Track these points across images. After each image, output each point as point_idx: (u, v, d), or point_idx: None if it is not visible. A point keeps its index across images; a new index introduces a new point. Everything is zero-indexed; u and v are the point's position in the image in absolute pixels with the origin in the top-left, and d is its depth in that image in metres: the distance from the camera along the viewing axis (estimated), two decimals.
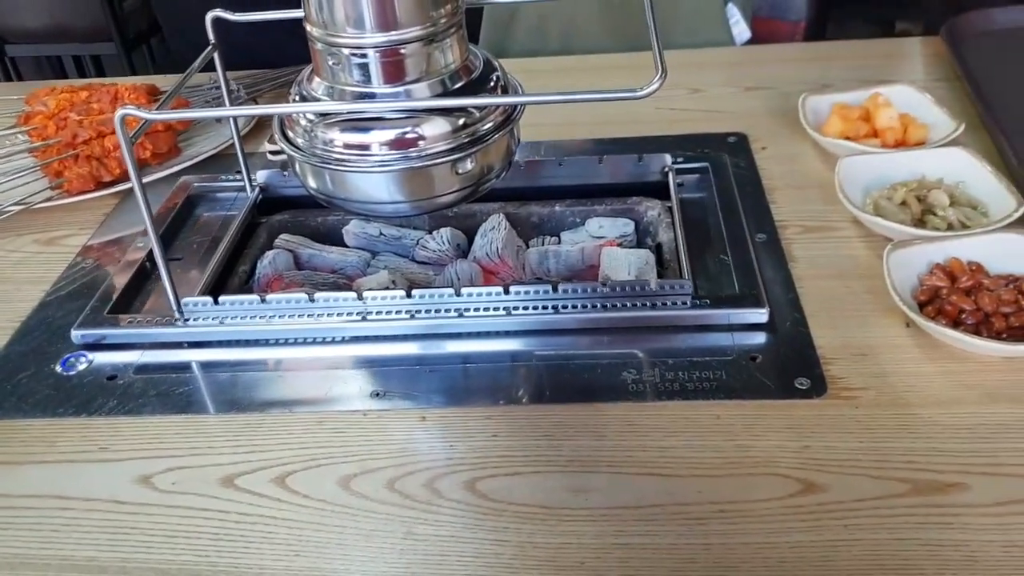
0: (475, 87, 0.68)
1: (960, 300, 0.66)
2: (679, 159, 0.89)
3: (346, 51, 0.63)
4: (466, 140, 0.66)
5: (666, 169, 0.87)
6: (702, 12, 1.21)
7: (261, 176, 0.89)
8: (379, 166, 0.64)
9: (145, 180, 0.90)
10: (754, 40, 1.26)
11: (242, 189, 0.89)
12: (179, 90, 0.72)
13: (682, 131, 0.97)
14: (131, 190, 0.90)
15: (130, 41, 2.47)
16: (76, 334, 0.72)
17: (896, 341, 0.67)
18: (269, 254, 0.81)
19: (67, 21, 2.47)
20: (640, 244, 0.86)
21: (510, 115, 0.69)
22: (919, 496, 0.55)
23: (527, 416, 0.62)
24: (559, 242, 0.87)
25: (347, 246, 0.87)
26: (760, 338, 0.68)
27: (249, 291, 0.80)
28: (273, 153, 0.95)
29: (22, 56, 2.66)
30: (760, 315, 0.68)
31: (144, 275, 0.80)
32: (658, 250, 0.82)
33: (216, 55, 0.79)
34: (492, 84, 0.69)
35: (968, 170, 0.80)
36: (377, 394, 0.65)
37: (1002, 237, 0.71)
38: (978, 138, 0.88)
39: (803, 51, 1.16)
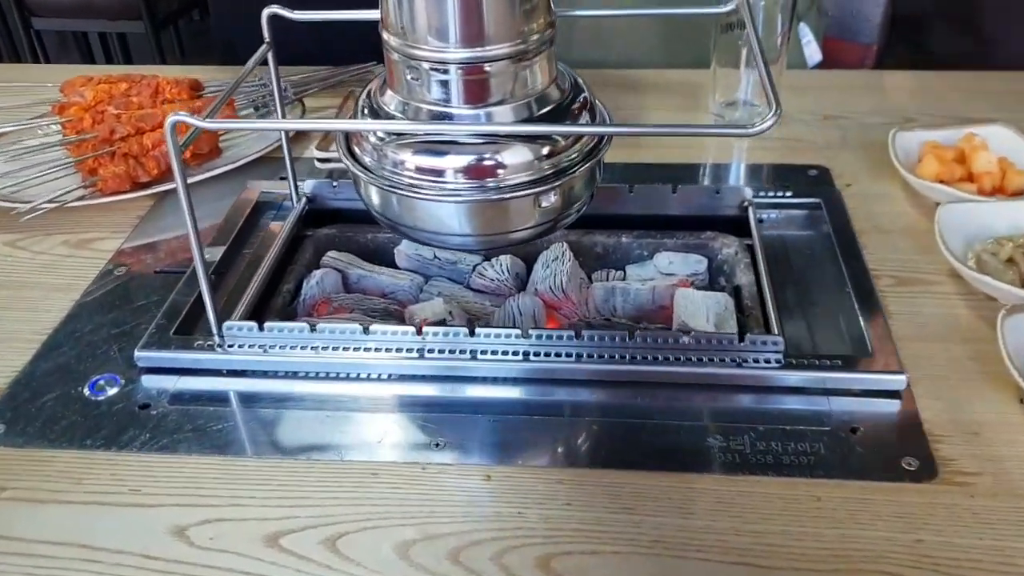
0: (562, 112, 0.61)
1: None
2: (759, 193, 0.83)
3: (426, 65, 0.57)
4: (549, 171, 0.60)
5: (745, 203, 0.81)
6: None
7: (308, 186, 0.83)
8: (452, 195, 0.58)
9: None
10: (824, 62, 1.19)
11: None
12: (232, 92, 0.66)
13: (757, 160, 0.91)
14: (168, 192, 0.85)
15: (159, 21, 2.41)
16: (141, 356, 0.66)
17: (1010, 418, 0.60)
18: (316, 274, 0.75)
19: None
20: (712, 283, 0.80)
21: (597, 144, 0.63)
22: None
23: (603, 482, 0.56)
24: (624, 276, 0.80)
25: (398, 267, 0.81)
26: (860, 406, 0.62)
27: (294, 314, 0.74)
28: (322, 161, 0.89)
29: (47, 30, 2.61)
30: (896, 382, 0.62)
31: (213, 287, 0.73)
32: (736, 293, 0.75)
33: (270, 55, 0.73)
34: (579, 109, 0.63)
35: None
36: (437, 444, 0.59)
37: None
38: None
39: (882, 79, 1.09)
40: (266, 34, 0.72)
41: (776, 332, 0.64)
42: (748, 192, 0.81)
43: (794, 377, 0.62)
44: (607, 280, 0.80)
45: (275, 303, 0.74)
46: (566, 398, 0.63)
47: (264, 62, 0.72)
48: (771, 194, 0.83)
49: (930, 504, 0.54)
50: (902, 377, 0.62)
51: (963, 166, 0.83)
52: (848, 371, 0.62)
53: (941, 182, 0.81)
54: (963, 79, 1.07)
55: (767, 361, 0.63)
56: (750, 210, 0.79)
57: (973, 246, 0.74)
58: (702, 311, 0.71)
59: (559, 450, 0.59)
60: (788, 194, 0.83)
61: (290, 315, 0.74)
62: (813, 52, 1.16)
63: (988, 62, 1.21)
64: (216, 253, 0.77)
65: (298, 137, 0.95)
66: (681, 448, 0.59)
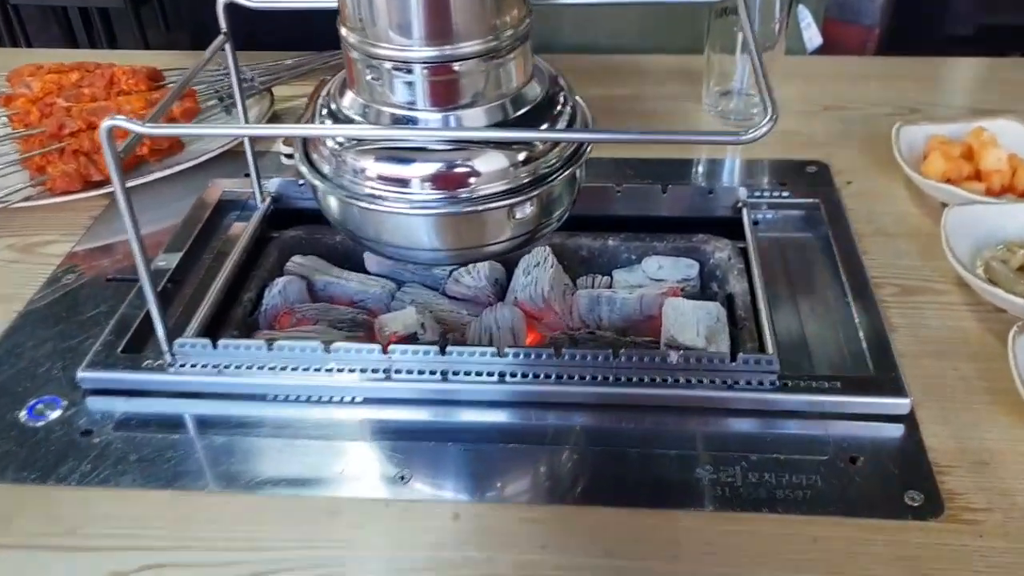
0: (540, 114, 0.56)
1: None
2: (754, 193, 0.77)
3: (388, 65, 0.52)
4: (526, 179, 0.55)
5: (739, 204, 0.76)
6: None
7: (273, 185, 0.78)
8: (420, 207, 0.53)
9: (143, 180, 0.79)
10: (824, 46, 1.13)
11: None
12: (181, 91, 0.61)
13: (753, 155, 0.86)
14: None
15: None
16: (85, 376, 0.61)
17: (1022, 446, 0.56)
18: (279, 282, 0.70)
19: None
20: (704, 290, 0.75)
21: (579, 148, 0.58)
22: None
23: (583, 521, 0.52)
24: (611, 282, 0.76)
25: (368, 272, 0.75)
26: (860, 431, 0.57)
27: (256, 326, 0.69)
28: (289, 157, 0.83)
29: (25, 4, 2.53)
30: (899, 406, 0.57)
31: (166, 300, 0.69)
32: (730, 302, 0.71)
33: (228, 47, 0.68)
34: (559, 110, 0.58)
35: None
36: (402, 478, 0.54)
37: None
38: None
39: (885, 65, 1.04)
40: (222, 24, 0.67)
41: (770, 351, 0.59)
42: (743, 192, 0.76)
43: (789, 400, 0.58)
44: (593, 286, 0.75)
45: (235, 314, 0.69)
46: (545, 423, 0.58)
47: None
48: (767, 193, 0.78)
49: (936, 545, 0.50)
50: (906, 401, 0.57)
51: (971, 163, 0.78)
52: (847, 394, 0.58)
53: (948, 181, 0.76)
54: (973, 66, 1.02)
55: (760, 383, 0.58)
56: (744, 212, 0.74)
57: (982, 252, 0.69)
58: (692, 323, 0.66)
59: (535, 484, 0.54)
60: (785, 194, 0.78)
61: (252, 326, 0.69)
62: (813, 36, 1.10)
63: (1000, 40, 1.14)
64: (173, 259, 0.72)
65: None
66: (668, 480, 0.54)
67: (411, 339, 0.66)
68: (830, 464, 0.55)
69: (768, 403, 0.58)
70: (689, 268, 0.75)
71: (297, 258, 0.74)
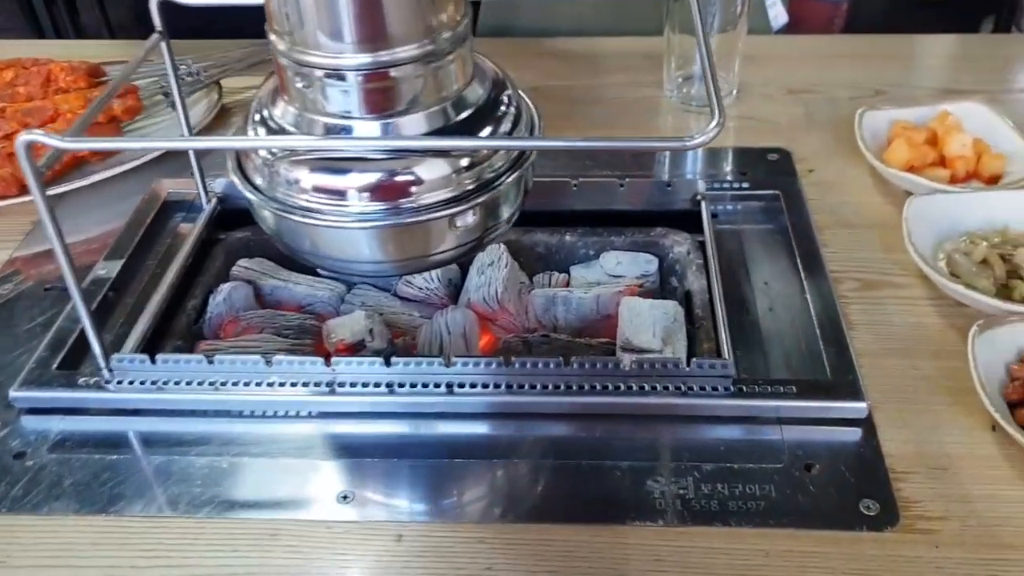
0: (483, 116, 0.54)
1: None
2: (713, 185, 0.76)
3: (319, 72, 0.50)
4: (470, 186, 0.53)
5: (698, 197, 0.74)
6: None
7: (219, 184, 0.76)
8: (359, 220, 0.51)
9: (85, 182, 0.77)
10: (790, 24, 1.11)
11: None
12: (109, 98, 0.58)
13: (713, 144, 0.83)
14: (68, 193, 0.76)
15: None
16: (17, 396, 0.59)
17: (981, 449, 0.55)
18: (224, 288, 0.68)
19: None
20: (664, 285, 0.73)
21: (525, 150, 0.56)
22: None
23: (530, 539, 0.50)
24: (569, 279, 0.74)
25: (319, 274, 0.73)
26: (816, 436, 0.56)
27: (200, 335, 0.67)
28: None
29: None
30: (856, 410, 0.56)
31: (107, 310, 0.67)
32: (688, 300, 0.69)
33: (164, 46, 0.65)
34: (503, 111, 0.56)
35: None
36: (345, 497, 0.53)
37: None
38: None
39: (853, 45, 1.01)
40: (157, 23, 0.64)
41: (726, 355, 0.58)
42: (701, 185, 0.75)
43: (744, 406, 0.56)
44: (550, 284, 0.73)
45: (179, 323, 0.67)
46: (494, 435, 0.57)
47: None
48: (726, 185, 0.76)
49: (890, 557, 0.49)
50: (862, 405, 0.56)
51: (936, 149, 0.77)
52: (803, 398, 0.56)
53: (911, 168, 0.75)
54: (942, 44, 1.00)
55: (714, 388, 0.57)
56: (703, 204, 0.73)
57: (944, 244, 0.68)
58: (648, 324, 0.65)
59: (483, 501, 0.53)
60: (745, 184, 0.76)
61: (197, 336, 0.67)
62: (778, 14, 1.08)
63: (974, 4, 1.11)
64: (114, 267, 0.69)
65: (216, 123, 0.87)
66: (618, 494, 0.53)
67: (358, 347, 0.64)
68: (785, 472, 0.53)
69: (722, 409, 0.57)
70: (648, 264, 0.73)
71: (244, 262, 0.72)
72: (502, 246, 0.72)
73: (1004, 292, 0.64)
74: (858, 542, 0.50)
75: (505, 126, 0.55)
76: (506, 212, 0.57)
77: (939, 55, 0.98)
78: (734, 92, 0.90)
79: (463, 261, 0.71)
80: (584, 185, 0.75)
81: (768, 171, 0.79)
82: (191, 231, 0.72)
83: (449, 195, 0.52)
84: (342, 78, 0.49)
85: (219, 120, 0.87)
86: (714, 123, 0.48)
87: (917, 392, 0.58)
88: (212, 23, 0.93)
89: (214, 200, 0.75)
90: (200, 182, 0.74)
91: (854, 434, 0.56)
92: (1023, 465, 0.53)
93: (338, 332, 0.65)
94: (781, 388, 0.57)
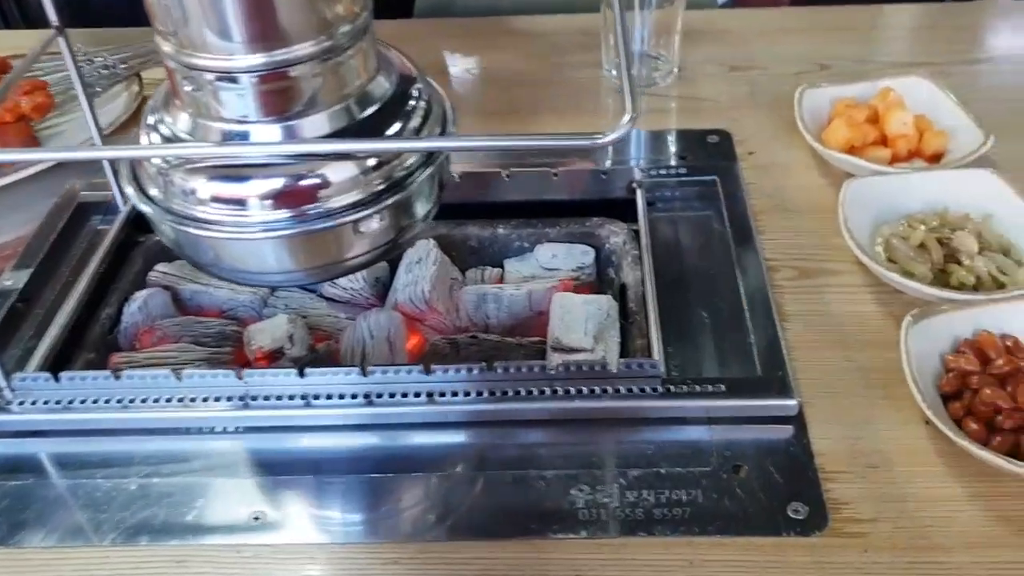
0: (390, 112, 0.51)
1: (994, 394, 0.53)
2: (650, 171, 0.73)
3: (210, 76, 0.47)
4: (380, 186, 0.50)
5: (633, 185, 0.72)
6: None
7: None
8: (261, 229, 0.48)
9: None
10: None
11: None
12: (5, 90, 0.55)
13: (656, 125, 0.81)
14: None
15: None
16: None
17: (914, 444, 0.53)
18: (140, 295, 0.65)
19: None
20: (601, 276, 0.71)
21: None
22: None
23: (448, 557, 0.49)
24: (503, 273, 0.72)
25: None
26: (746, 436, 0.54)
27: (115, 346, 0.64)
28: None
29: None
30: (785, 408, 0.54)
31: (13, 323, 0.64)
32: (622, 294, 0.67)
33: (62, 41, 0.62)
34: (412, 105, 0.53)
35: (999, 201, 0.66)
36: (256, 519, 0.51)
37: None
38: (1017, 149, 0.73)
39: (799, 19, 0.99)
40: (52, 16, 0.61)
41: (656, 354, 0.56)
42: (637, 172, 0.72)
43: (672, 407, 0.55)
44: (483, 280, 0.71)
45: (92, 334, 0.64)
46: (414, 447, 0.55)
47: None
48: (663, 171, 0.74)
49: (817, 564, 0.47)
50: (792, 402, 0.54)
51: (877, 127, 0.75)
52: (731, 396, 0.55)
53: (852, 149, 0.73)
54: (892, 13, 0.97)
55: (642, 390, 0.55)
56: (638, 193, 0.70)
57: (882, 228, 0.66)
58: (580, 321, 0.62)
59: (401, 519, 0.51)
60: (682, 170, 0.74)
61: (112, 347, 0.64)
62: None
63: None
64: (22, 276, 0.66)
65: (136, 117, 0.83)
66: (542, 505, 0.51)
67: (277, 354, 0.62)
68: (712, 476, 0.52)
69: (650, 411, 0.55)
70: (584, 255, 0.71)
71: (161, 266, 0.69)
72: (431, 241, 0.70)
73: (942, 277, 0.62)
74: (785, 548, 0.48)
75: (414, 122, 0.52)
76: (421, 210, 0.54)
77: (891, 25, 0.96)
78: (675, 70, 0.87)
79: (391, 258, 0.69)
80: (516, 175, 0.73)
81: (708, 154, 0.77)
82: (106, 235, 0.69)
83: (357, 197, 0.50)
84: (235, 81, 0.47)
85: (140, 114, 0.83)
86: (626, 119, 0.46)
87: (851, 385, 0.57)
88: (135, 10, 0.89)
89: (131, 202, 0.72)
90: (115, 183, 0.70)
91: (785, 431, 0.54)
92: (955, 461, 0.52)
93: (258, 338, 0.63)
94: (710, 387, 0.55)
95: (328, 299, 0.69)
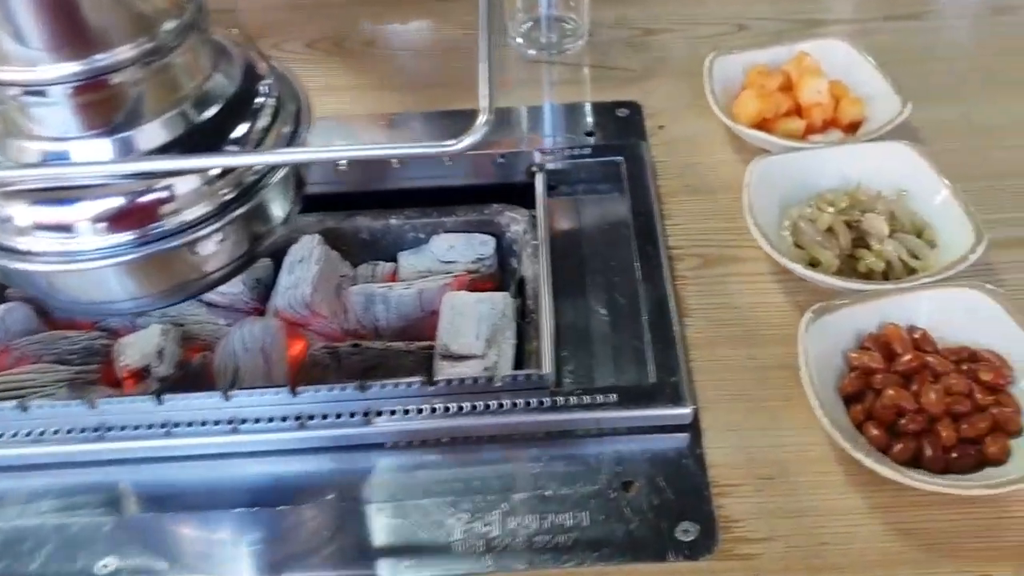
0: (234, 111, 0.46)
1: (897, 396, 0.50)
2: (552, 151, 0.69)
3: (14, 91, 0.41)
4: (228, 196, 0.46)
5: (533, 168, 0.67)
6: None
7: None
8: (97, 257, 0.43)
9: None
10: None
11: None
12: None
13: (558, 96, 0.77)
14: None
15: None
16: None
17: (813, 451, 0.50)
18: None
19: None
20: (504, 267, 0.67)
21: (296, 131, 0.49)
22: None
23: None
24: (397, 268, 0.67)
25: None
26: (638, 447, 0.51)
27: None
28: None
29: None
30: (678, 417, 0.51)
31: None
32: (521, 289, 0.63)
33: None
34: (260, 103, 0.48)
35: (915, 176, 0.62)
36: (105, 566, 0.47)
37: (954, 294, 0.54)
38: (939, 117, 0.69)
39: None
40: None
41: (545, 361, 0.52)
42: (536, 155, 0.68)
43: (560, 420, 0.51)
44: (374, 276, 0.67)
45: None
46: (282, 476, 0.51)
47: None
48: (567, 150, 0.69)
49: None
50: (686, 410, 0.51)
51: (791, 96, 0.70)
52: (622, 407, 0.51)
53: (763, 122, 0.69)
54: None
55: (528, 404, 0.51)
56: (537, 177, 0.66)
57: (790, 210, 0.62)
58: (472, 323, 0.59)
59: (257, 562, 0.47)
60: (586, 149, 0.69)
61: None
62: None
63: None
64: None
65: None
66: (415, 538, 0.47)
67: (145, 373, 0.57)
68: (601, 496, 0.49)
69: (537, 427, 0.51)
70: (483, 245, 0.67)
71: None
72: (315, 238, 0.65)
73: (850, 263, 0.59)
74: (672, 574, 0.45)
75: (262, 121, 0.48)
76: (279, 213, 0.50)
77: None
78: (585, 36, 0.82)
79: (280, 249, 0.64)
80: (408, 161, 0.68)
81: (617, 129, 0.73)
82: None
83: (205, 211, 0.45)
84: (43, 94, 0.42)
85: None
86: (481, 120, 0.42)
87: (751, 387, 0.54)
88: None
89: None
90: None
91: (680, 441, 0.51)
92: (856, 468, 0.49)
93: (127, 354, 0.59)
94: (600, 397, 0.52)
95: (208, 304, 0.65)
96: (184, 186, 0.44)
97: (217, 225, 0.46)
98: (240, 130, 0.47)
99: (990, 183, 0.66)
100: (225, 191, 0.46)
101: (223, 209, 0.46)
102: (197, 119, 0.46)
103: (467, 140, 0.41)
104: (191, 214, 0.45)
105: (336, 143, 0.70)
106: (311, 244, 0.64)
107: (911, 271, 0.58)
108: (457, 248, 0.67)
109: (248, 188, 0.47)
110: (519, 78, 0.80)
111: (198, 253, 0.47)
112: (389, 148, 0.45)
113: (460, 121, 0.72)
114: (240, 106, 0.47)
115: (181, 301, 0.54)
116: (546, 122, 0.74)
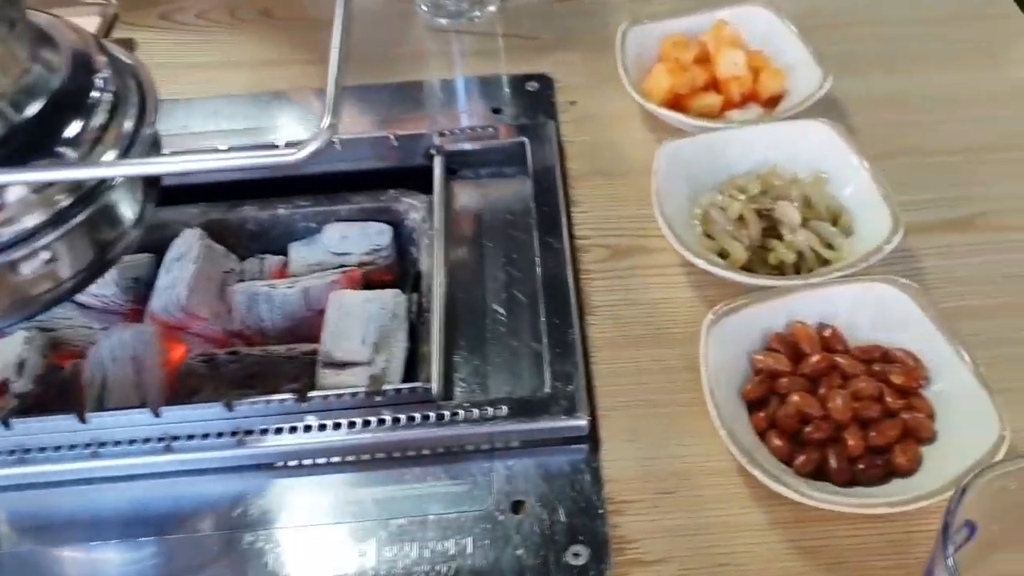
0: (64, 108, 0.42)
1: (802, 402, 0.47)
2: (452, 130, 0.64)
3: None
4: (66, 202, 0.41)
5: (431, 151, 0.63)
6: None
7: None
8: None
9: None
10: None
11: None
12: None
13: (464, 69, 0.72)
14: None
15: None
16: None
17: (715, 462, 0.47)
18: None
19: None
20: (403, 258, 0.63)
21: (135, 137, 0.44)
22: None
23: None
24: (287, 260, 0.63)
25: None
26: (531, 461, 0.48)
27: None
28: None
29: None
30: (573, 428, 0.48)
31: None
32: (416, 284, 0.59)
33: None
34: (96, 96, 0.43)
35: (833, 157, 0.59)
36: None
37: (865, 289, 0.51)
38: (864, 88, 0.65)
39: None
40: None
41: (432, 371, 0.49)
42: (435, 137, 0.63)
43: (446, 436, 0.48)
44: (262, 271, 0.62)
45: None
46: (145, 503, 0.47)
47: None
48: (467, 130, 0.64)
49: None
50: (581, 422, 0.48)
51: (708, 69, 0.66)
52: (513, 419, 0.48)
53: (677, 98, 0.64)
54: None
55: (411, 419, 0.48)
56: (435, 162, 0.61)
57: (701, 197, 0.58)
58: (359, 326, 0.54)
59: None
60: (489, 128, 0.64)
61: None
62: None
63: None
64: None
65: None
66: (281, 571, 0.44)
67: (3, 388, 0.53)
68: (488, 518, 0.45)
69: (421, 444, 0.48)
70: (380, 235, 0.62)
71: None
72: (196, 232, 0.60)
73: (761, 254, 0.55)
74: None
75: (99, 117, 0.43)
76: (130, 215, 0.45)
77: None
78: (496, 2, 0.77)
79: (162, 243, 0.59)
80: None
81: (526, 105, 0.68)
82: None
83: (38, 220, 0.41)
84: None
85: None
86: (325, 122, 0.37)
87: (655, 392, 0.50)
88: None
89: None
90: None
91: (577, 454, 0.48)
92: (757, 481, 0.46)
93: None
94: (490, 410, 0.48)
95: (82, 306, 0.60)
96: (8, 197, 0.40)
97: (52, 236, 0.41)
98: (73, 128, 0.42)
99: (915, 159, 0.63)
100: (60, 197, 0.41)
101: (58, 218, 0.41)
102: (17, 119, 0.41)
103: (309, 148, 0.37)
104: (20, 226, 0.40)
105: (195, 137, 0.65)
106: (191, 239, 0.59)
107: (824, 262, 0.54)
108: (351, 238, 0.62)
109: (88, 193, 0.42)
110: (425, 49, 0.75)
111: (34, 268, 0.42)
112: (221, 159, 0.40)
113: (362, 96, 0.69)
114: (71, 102, 0.42)
115: (22, 322, 0.49)
116: (450, 97, 0.69)
